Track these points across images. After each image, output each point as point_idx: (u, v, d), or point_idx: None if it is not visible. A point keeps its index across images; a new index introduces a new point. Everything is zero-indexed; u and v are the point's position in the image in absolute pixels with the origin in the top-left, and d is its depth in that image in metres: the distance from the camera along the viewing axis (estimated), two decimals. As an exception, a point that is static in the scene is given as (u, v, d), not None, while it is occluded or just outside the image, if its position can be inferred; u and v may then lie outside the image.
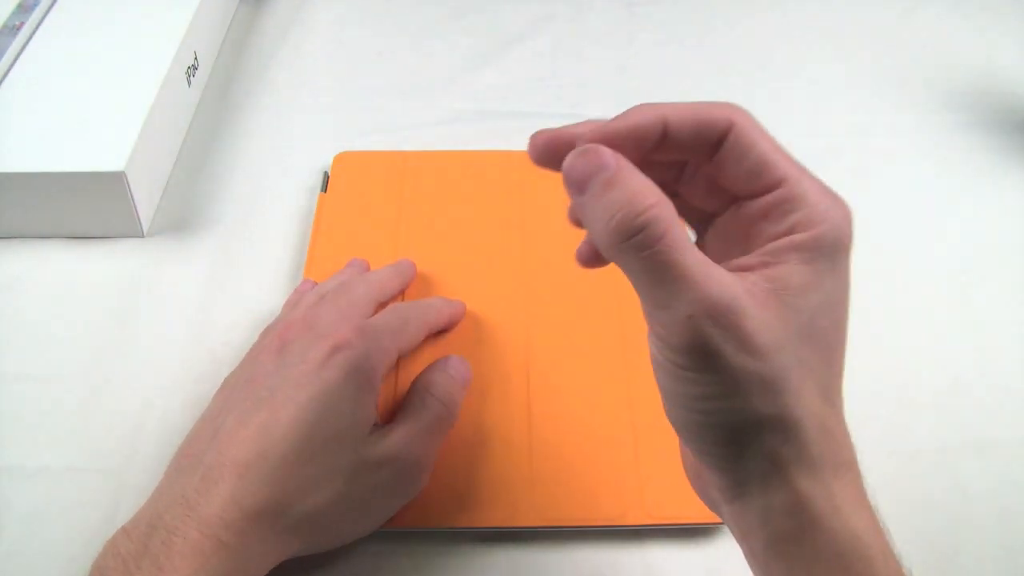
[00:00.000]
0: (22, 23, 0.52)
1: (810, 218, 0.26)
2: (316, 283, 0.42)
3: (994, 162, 0.53)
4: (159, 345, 0.42)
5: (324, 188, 0.49)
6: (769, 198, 0.27)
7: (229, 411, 0.34)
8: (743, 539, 0.27)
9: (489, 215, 0.48)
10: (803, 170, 0.27)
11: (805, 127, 0.55)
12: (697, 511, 0.36)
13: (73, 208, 0.46)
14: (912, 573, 0.27)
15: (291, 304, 0.41)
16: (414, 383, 0.38)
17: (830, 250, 0.26)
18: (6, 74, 0.50)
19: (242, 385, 0.35)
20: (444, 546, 0.36)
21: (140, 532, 0.30)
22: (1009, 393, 0.41)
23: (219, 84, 0.58)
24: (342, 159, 0.51)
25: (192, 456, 0.33)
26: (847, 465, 0.27)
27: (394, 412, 0.37)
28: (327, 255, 0.45)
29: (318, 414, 0.33)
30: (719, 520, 0.35)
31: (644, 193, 0.25)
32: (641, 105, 0.27)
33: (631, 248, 0.25)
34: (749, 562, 0.27)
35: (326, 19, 0.64)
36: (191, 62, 0.55)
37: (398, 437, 0.35)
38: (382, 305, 0.41)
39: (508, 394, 0.39)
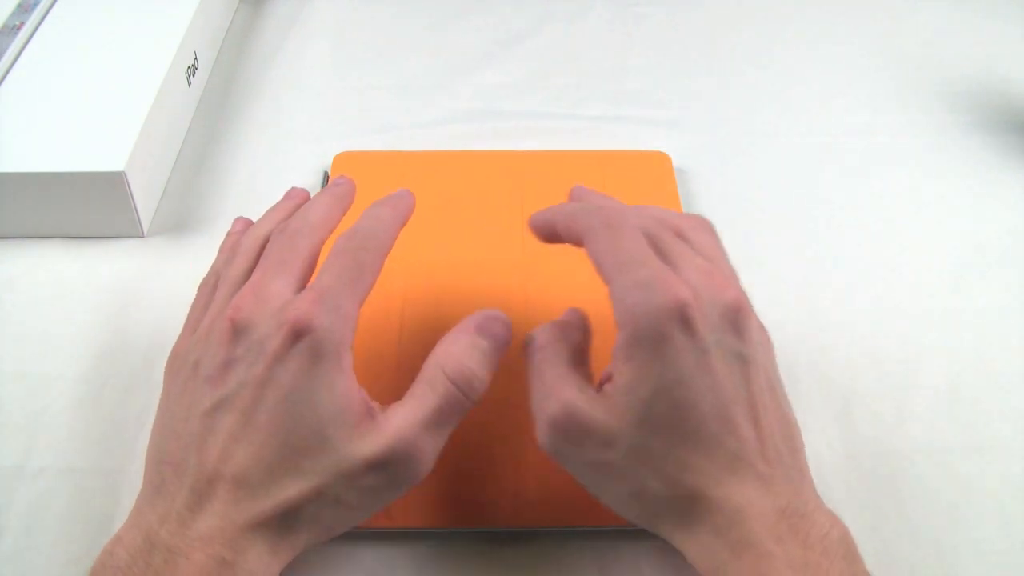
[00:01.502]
0: (22, 23, 0.52)
1: (620, 319, 0.30)
2: (250, 222, 0.39)
3: (994, 162, 0.53)
4: (159, 345, 0.42)
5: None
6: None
7: (193, 410, 0.31)
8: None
9: (489, 215, 0.48)
10: (624, 267, 0.31)
11: (805, 127, 0.55)
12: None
13: (73, 208, 0.46)
14: None
15: (227, 251, 0.37)
16: (432, 353, 0.32)
17: (646, 343, 0.29)
18: (6, 74, 0.50)
19: (201, 381, 0.32)
20: (444, 546, 0.36)
21: (137, 546, 0.29)
22: (1009, 393, 0.41)
23: (219, 84, 0.58)
24: (342, 159, 0.51)
25: (173, 465, 0.31)
26: (730, 522, 0.29)
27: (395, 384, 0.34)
28: (327, 255, 0.45)
29: (294, 413, 0.30)
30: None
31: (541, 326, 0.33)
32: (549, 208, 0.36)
33: (525, 356, 0.33)
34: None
35: (326, 19, 0.64)
36: (191, 62, 0.55)
37: (393, 429, 0.30)
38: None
39: (508, 393, 0.39)
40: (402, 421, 0.30)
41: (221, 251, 0.38)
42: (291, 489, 0.30)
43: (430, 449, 0.31)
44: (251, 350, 0.31)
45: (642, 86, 0.58)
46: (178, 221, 0.49)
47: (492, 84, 0.58)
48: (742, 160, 0.53)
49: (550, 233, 0.35)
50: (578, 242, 0.33)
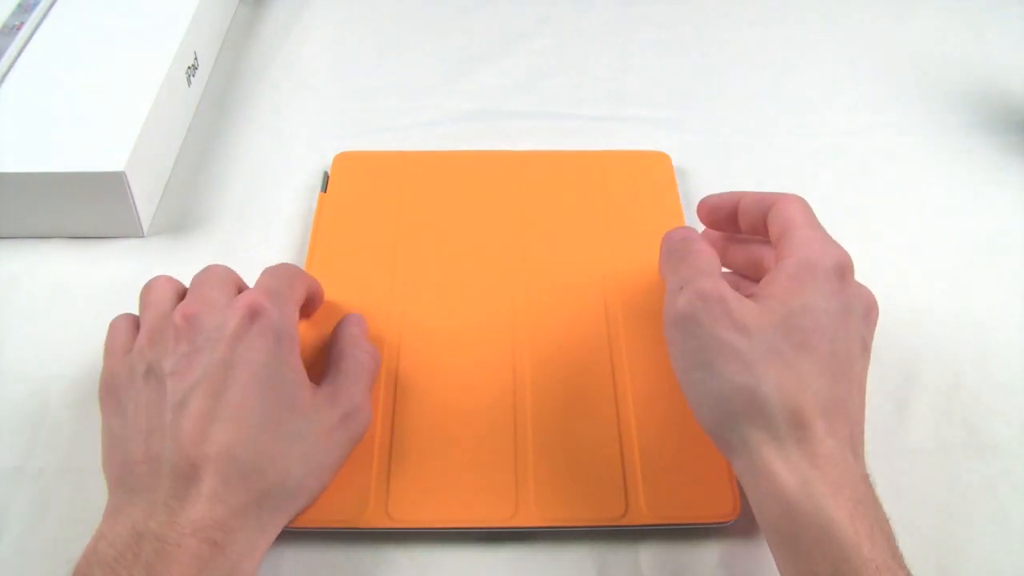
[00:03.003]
0: (22, 23, 0.52)
1: (799, 250, 0.34)
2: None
3: (994, 162, 0.53)
4: (159, 345, 0.42)
5: (324, 188, 0.49)
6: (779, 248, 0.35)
7: (161, 406, 0.32)
8: (760, 525, 0.32)
9: (489, 215, 0.48)
10: (815, 225, 0.36)
11: (805, 127, 0.55)
12: (697, 511, 0.36)
13: (73, 208, 0.46)
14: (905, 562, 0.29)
15: (149, 291, 0.37)
16: (336, 342, 0.38)
17: (817, 271, 0.33)
18: (6, 74, 0.50)
19: (162, 379, 0.33)
20: (444, 546, 0.36)
21: (124, 540, 0.29)
22: (1009, 393, 0.41)
23: (219, 84, 0.58)
24: (342, 159, 0.51)
25: (145, 462, 0.31)
26: (827, 457, 0.30)
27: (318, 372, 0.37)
28: (327, 255, 0.45)
29: (264, 387, 0.32)
30: (719, 520, 0.35)
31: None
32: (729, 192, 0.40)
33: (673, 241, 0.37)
34: None
35: (326, 19, 0.64)
36: (191, 62, 0.55)
37: (346, 396, 0.36)
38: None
39: (508, 394, 0.39)
40: (348, 388, 0.36)
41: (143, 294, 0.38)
42: (279, 459, 0.32)
43: (369, 407, 0.37)
44: (210, 338, 0.33)
45: (642, 86, 0.58)
46: (178, 221, 0.49)
47: (492, 84, 0.58)
48: (742, 160, 0.53)
49: (727, 211, 0.39)
50: (765, 208, 0.37)
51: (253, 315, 0.33)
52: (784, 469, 0.30)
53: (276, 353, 0.33)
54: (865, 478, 0.31)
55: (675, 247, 0.36)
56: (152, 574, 0.28)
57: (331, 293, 0.42)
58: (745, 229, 0.38)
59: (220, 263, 0.38)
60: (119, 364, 0.35)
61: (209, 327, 0.33)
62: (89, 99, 0.48)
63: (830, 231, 0.49)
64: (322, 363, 0.38)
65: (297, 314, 0.37)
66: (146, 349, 0.34)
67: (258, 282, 0.37)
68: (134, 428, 0.33)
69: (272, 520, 0.32)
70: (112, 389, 0.35)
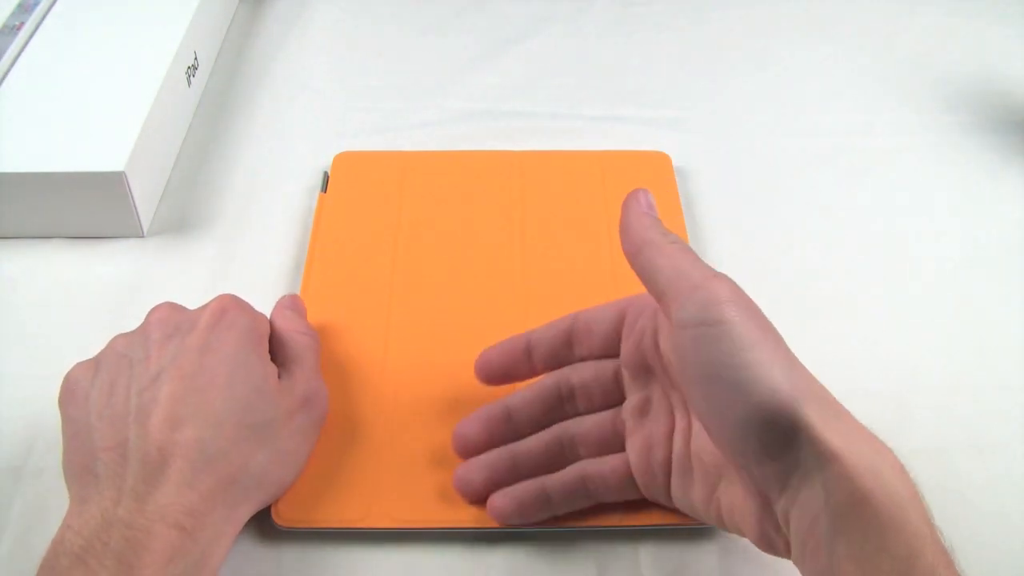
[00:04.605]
0: (22, 23, 0.52)
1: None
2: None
3: (994, 162, 0.53)
4: (159, 345, 0.42)
5: (324, 188, 0.49)
6: None
7: (128, 391, 0.32)
8: (808, 531, 0.28)
9: (489, 215, 0.48)
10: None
11: (805, 127, 0.55)
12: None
13: (73, 208, 0.46)
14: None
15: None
16: (274, 333, 0.38)
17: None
18: (6, 74, 0.50)
19: (133, 366, 0.33)
20: (444, 546, 0.36)
21: (92, 529, 0.29)
22: (1009, 393, 0.41)
23: (219, 84, 0.58)
24: (342, 159, 0.51)
25: (112, 448, 0.31)
26: (874, 440, 0.29)
27: None
28: (327, 255, 0.45)
29: (232, 375, 0.33)
30: (719, 520, 0.35)
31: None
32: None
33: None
34: (804, 556, 0.28)
35: (326, 19, 0.64)
36: (191, 62, 0.55)
37: (302, 380, 0.36)
38: None
39: (508, 394, 0.39)
40: (302, 374, 0.37)
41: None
42: (243, 445, 0.32)
43: (324, 388, 0.38)
44: (181, 328, 0.34)
45: (642, 86, 0.58)
46: (178, 221, 0.49)
47: (492, 84, 0.58)
48: (742, 160, 0.53)
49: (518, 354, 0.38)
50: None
51: (221, 312, 0.35)
52: (846, 447, 0.28)
53: (243, 344, 0.34)
54: None
55: (672, 238, 0.33)
56: (122, 562, 0.28)
57: (330, 293, 0.43)
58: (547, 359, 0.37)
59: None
60: (80, 368, 0.35)
61: (181, 320, 0.35)
62: (89, 99, 0.48)
63: (830, 231, 0.49)
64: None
65: (265, 319, 0.38)
66: (117, 343, 0.35)
67: (218, 296, 0.37)
68: (98, 415, 0.32)
69: (239, 508, 0.32)
70: (72, 384, 0.34)
